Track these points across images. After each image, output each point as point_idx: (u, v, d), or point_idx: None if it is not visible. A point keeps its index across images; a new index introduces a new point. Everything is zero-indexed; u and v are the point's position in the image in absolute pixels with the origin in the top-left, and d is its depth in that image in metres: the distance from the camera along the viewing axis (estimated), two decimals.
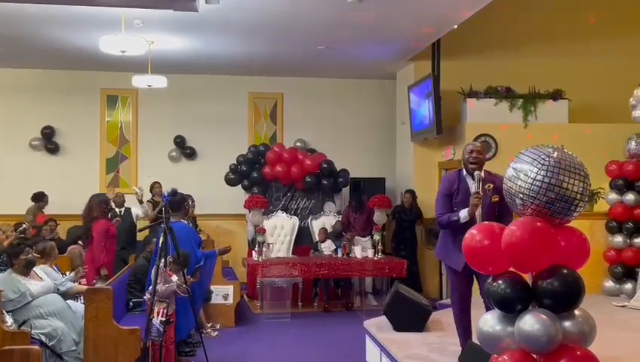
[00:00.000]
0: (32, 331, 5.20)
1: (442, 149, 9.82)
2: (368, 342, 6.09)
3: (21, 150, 10.71)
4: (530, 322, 2.69)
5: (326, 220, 9.74)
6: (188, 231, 5.77)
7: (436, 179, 10.03)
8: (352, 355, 6.44)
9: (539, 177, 2.79)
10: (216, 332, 7.49)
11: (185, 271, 4.95)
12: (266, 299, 8.69)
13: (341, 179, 10.09)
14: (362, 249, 8.89)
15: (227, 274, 8.54)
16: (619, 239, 7.69)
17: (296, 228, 9.74)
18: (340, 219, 9.61)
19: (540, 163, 2.81)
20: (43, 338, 5.27)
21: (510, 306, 2.79)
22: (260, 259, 8.56)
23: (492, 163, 8.34)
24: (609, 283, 7.68)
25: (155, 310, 4.33)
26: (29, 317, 5.39)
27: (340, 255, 8.88)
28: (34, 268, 5.71)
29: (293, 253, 9.54)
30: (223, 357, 6.33)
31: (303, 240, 9.76)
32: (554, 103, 9.12)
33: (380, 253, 8.80)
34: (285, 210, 9.94)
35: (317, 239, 9.42)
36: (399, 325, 5.79)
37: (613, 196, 7.79)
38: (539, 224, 2.78)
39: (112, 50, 7.21)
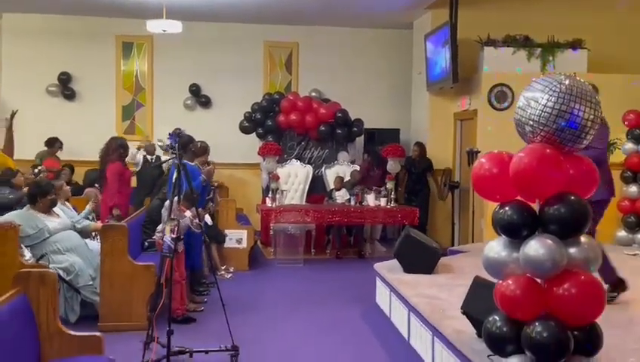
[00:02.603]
0: (50, 265, 5.34)
1: (458, 99, 9.74)
2: (378, 283, 6.18)
3: (38, 96, 10.78)
4: (535, 247, 2.71)
5: (339, 169, 9.77)
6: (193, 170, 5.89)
7: (451, 130, 9.99)
8: (362, 297, 6.54)
9: (549, 104, 2.77)
10: (230, 275, 7.64)
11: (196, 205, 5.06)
12: (279, 246, 8.79)
13: (355, 129, 10.08)
14: (375, 197, 8.93)
15: (241, 219, 8.64)
16: (633, 189, 7.65)
17: (310, 176, 9.79)
18: (357, 169, 9.63)
19: (551, 90, 2.79)
20: (61, 272, 5.40)
21: (516, 231, 2.81)
22: (273, 206, 8.64)
23: (508, 113, 8.30)
24: (622, 233, 7.69)
25: (168, 228, 4.44)
26: (47, 251, 5.53)
27: (353, 203, 8.93)
28: None
29: (306, 202, 9.60)
30: (237, 297, 6.44)
31: (316, 189, 9.81)
32: (573, 53, 8.97)
33: (392, 202, 8.84)
34: (299, 158, 9.97)
35: (332, 187, 9.45)
36: (409, 267, 5.86)
37: (629, 146, 7.73)
38: (548, 151, 2.77)
39: None
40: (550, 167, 2.74)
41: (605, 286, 4.77)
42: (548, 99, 2.78)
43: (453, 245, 9.48)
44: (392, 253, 6.26)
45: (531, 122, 2.84)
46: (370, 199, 8.86)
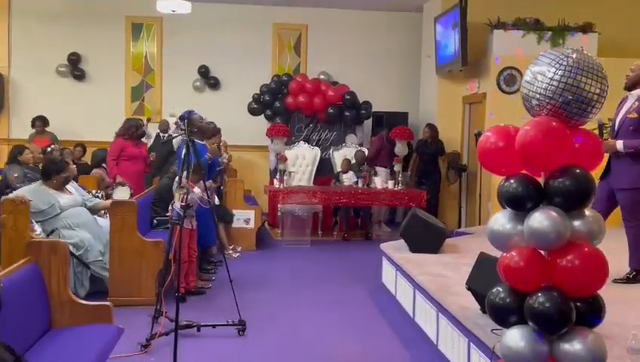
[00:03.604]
0: (60, 241, 5.40)
1: (467, 83, 9.72)
2: (385, 263, 6.22)
3: (48, 76, 10.84)
4: (540, 219, 2.73)
5: (347, 152, 9.79)
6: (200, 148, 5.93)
7: (460, 114, 9.98)
8: (369, 277, 6.61)
9: (556, 77, 2.77)
10: (237, 254, 7.70)
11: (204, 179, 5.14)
12: (287, 227, 8.84)
13: (363, 111, 10.09)
14: (383, 180, 8.96)
15: (249, 200, 8.69)
16: None
17: (318, 158, 9.82)
18: (361, 148, 9.64)
19: (558, 63, 2.79)
20: (71, 248, 5.42)
21: (521, 204, 2.82)
22: (281, 187, 8.68)
23: (518, 96, 8.27)
24: None
25: (177, 195, 4.52)
26: (58, 227, 5.60)
27: (360, 185, 8.96)
28: None
29: (313, 184, 9.63)
30: (244, 275, 6.51)
31: (323, 171, 9.85)
32: (583, 36, 8.92)
33: (400, 184, 8.87)
34: (307, 140, 10.00)
35: (339, 169, 9.48)
36: (415, 246, 5.90)
37: None
38: (554, 124, 2.78)
39: None
40: (556, 140, 2.74)
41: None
42: (555, 73, 2.78)
43: (459, 228, 9.51)
44: (399, 237, 6.29)
45: (538, 96, 2.85)
46: (378, 181, 8.89)
